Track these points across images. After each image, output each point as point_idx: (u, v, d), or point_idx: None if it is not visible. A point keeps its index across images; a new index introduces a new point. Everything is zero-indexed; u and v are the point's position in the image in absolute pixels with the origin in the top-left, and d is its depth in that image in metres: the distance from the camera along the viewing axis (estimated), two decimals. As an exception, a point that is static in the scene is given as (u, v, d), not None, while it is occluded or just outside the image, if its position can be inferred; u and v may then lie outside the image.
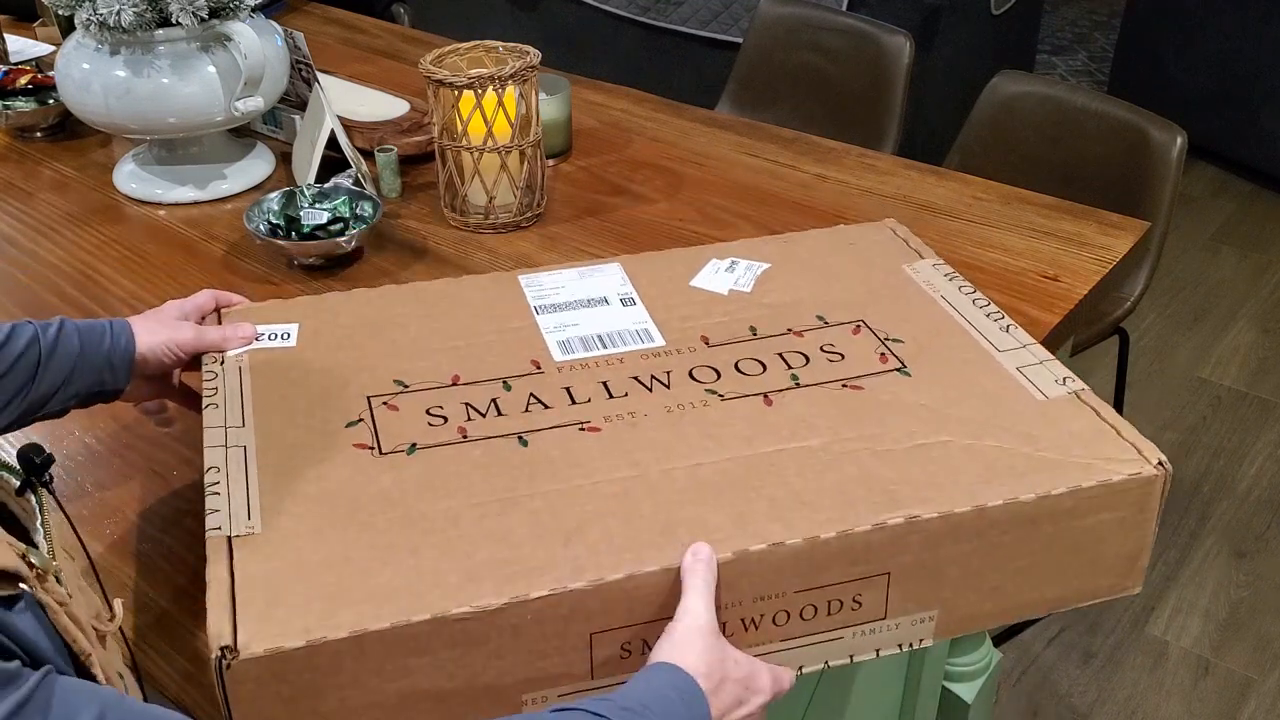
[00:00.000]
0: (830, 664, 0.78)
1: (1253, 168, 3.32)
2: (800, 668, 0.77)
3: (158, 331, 0.89)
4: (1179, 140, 1.61)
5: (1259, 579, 2.03)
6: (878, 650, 0.78)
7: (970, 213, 1.33)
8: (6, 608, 0.52)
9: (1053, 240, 1.27)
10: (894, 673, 1.32)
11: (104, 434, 1.01)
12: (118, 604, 0.62)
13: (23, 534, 0.61)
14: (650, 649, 0.70)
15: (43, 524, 0.61)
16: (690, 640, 0.68)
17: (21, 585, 0.52)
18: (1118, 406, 1.97)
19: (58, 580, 0.56)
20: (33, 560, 0.54)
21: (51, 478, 0.64)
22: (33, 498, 0.62)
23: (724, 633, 0.72)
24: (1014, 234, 1.28)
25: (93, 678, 0.56)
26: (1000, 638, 1.91)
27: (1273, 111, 3.15)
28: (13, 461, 0.64)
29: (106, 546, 0.88)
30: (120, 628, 0.63)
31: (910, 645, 0.79)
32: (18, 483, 0.62)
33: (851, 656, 0.78)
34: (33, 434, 1.01)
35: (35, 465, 0.62)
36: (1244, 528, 2.14)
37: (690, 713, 0.65)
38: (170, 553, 0.88)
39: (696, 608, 0.69)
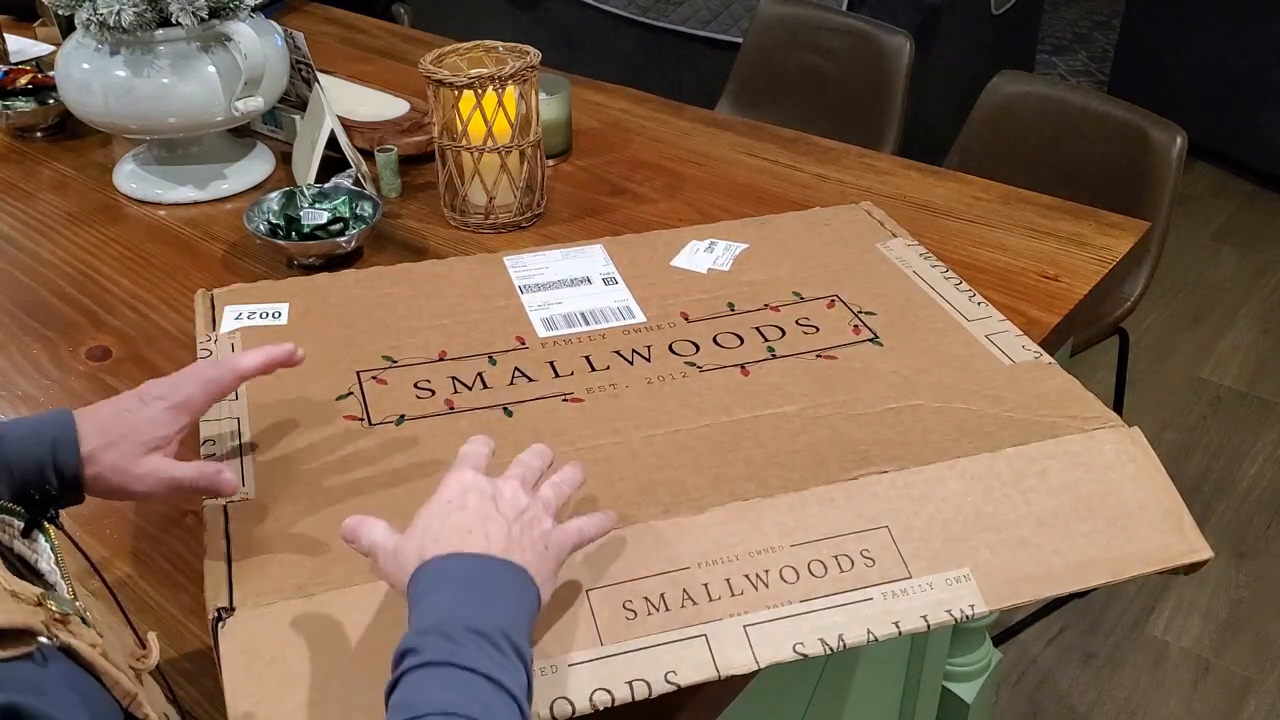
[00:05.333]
0: (876, 635, 0.71)
1: (1253, 168, 3.32)
2: (840, 637, 0.70)
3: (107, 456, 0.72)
4: (1179, 140, 1.61)
5: (1259, 579, 2.03)
6: (925, 618, 0.71)
7: (970, 213, 1.33)
8: (32, 668, 0.47)
9: (1053, 240, 1.27)
10: (894, 673, 1.32)
11: (104, 434, 1.01)
12: (152, 638, 0.59)
13: (39, 579, 0.56)
14: (653, 609, 0.70)
15: (58, 563, 0.56)
16: (389, 562, 0.64)
17: (40, 639, 0.48)
18: (1117, 407, 1.97)
19: (84, 622, 0.52)
20: (52, 605, 0.50)
21: (57, 513, 0.58)
22: (42, 538, 0.57)
23: (732, 593, 0.71)
24: (1014, 234, 1.28)
25: None
26: (1000, 638, 1.91)
27: (1273, 111, 3.15)
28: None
29: (106, 546, 0.88)
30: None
31: (961, 611, 0.72)
32: (21, 524, 0.57)
33: (898, 625, 0.71)
34: (33, 434, 1.01)
35: (37, 502, 0.57)
36: (1244, 528, 2.14)
37: (433, 585, 0.60)
38: (170, 552, 0.88)
39: (368, 536, 0.66)
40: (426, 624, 0.58)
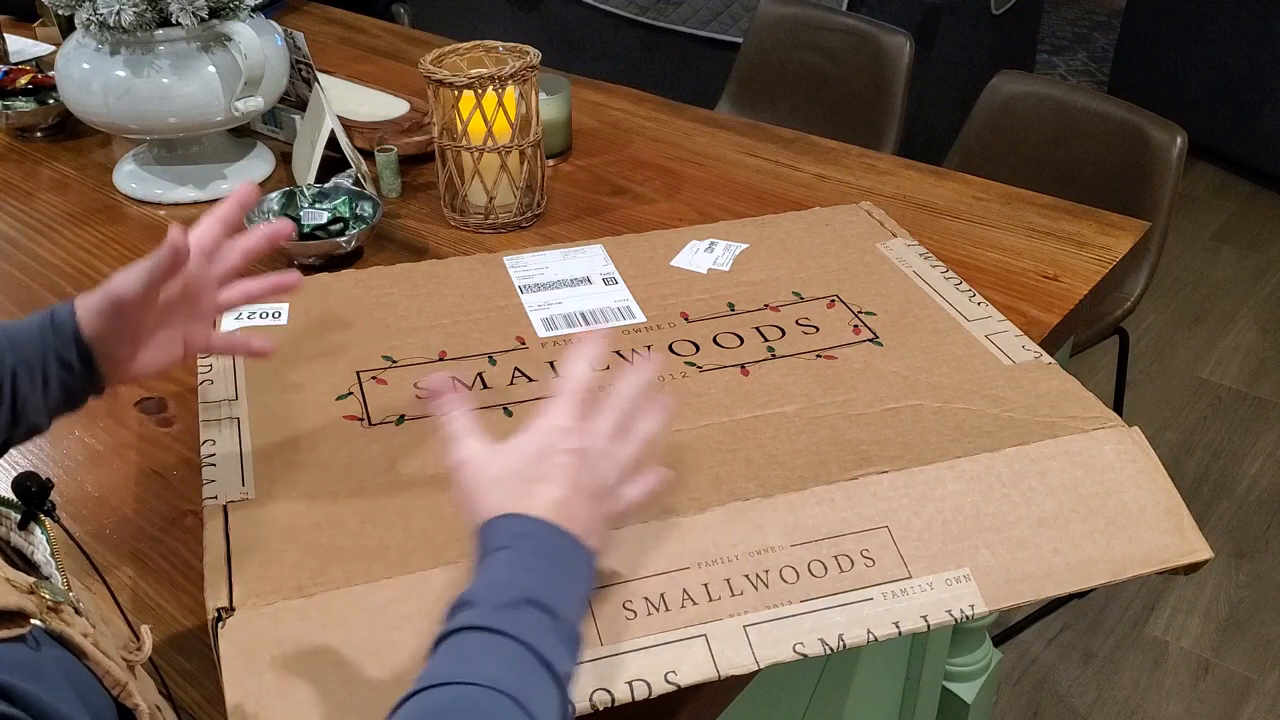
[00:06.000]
0: (876, 635, 0.71)
1: (1253, 168, 3.32)
2: (840, 637, 0.70)
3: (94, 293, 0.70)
4: (1179, 140, 1.61)
5: (1259, 579, 2.03)
6: (925, 618, 0.71)
7: (970, 213, 1.33)
8: (25, 650, 0.48)
9: (1053, 240, 1.27)
10: (894, 672, 1.32)
11: (104, 434, 1.01)
12: (145, 631, 0.60)
13: (34, 571, 0.57)
14: (653, 609, 0.70)
15: (53, 555, 0.57)
16: (472, 488, 0.63)
17: (33, 621, 0.49)
18: (1117, 407, 1.98)
19: (77, 611, 0.53)
20: (45, 594, 0.51)
21: (53, 505, 0.59)
22: (38, 530, 0.58)
23: (732, 593, 0.71)
24: (1014, 234, 1.28)
25: (130, 711, 0.53)
26: (1000, 638, 1.91)
27: (1273, 111, 3.15)
28: (9, 494, 0.59)
29: (107, 547, 0.88)
30: (150, 656, 0.60)
31: (961, 611, 0.72)
32: (18, 516, 0.58)
33: (898, 625, 0.71)
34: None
35: (33, 495, 0.57)
36: (1244, 528, 2.14)
37: (522, 553, 0.60)
38: (170, 552, 0.88)
39: (463, 450, 0.65)
40: (491, 580, 0.58)
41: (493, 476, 0.63)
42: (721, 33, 2.87)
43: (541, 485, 0.62)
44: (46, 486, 0.58)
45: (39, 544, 0.57)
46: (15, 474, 0.59)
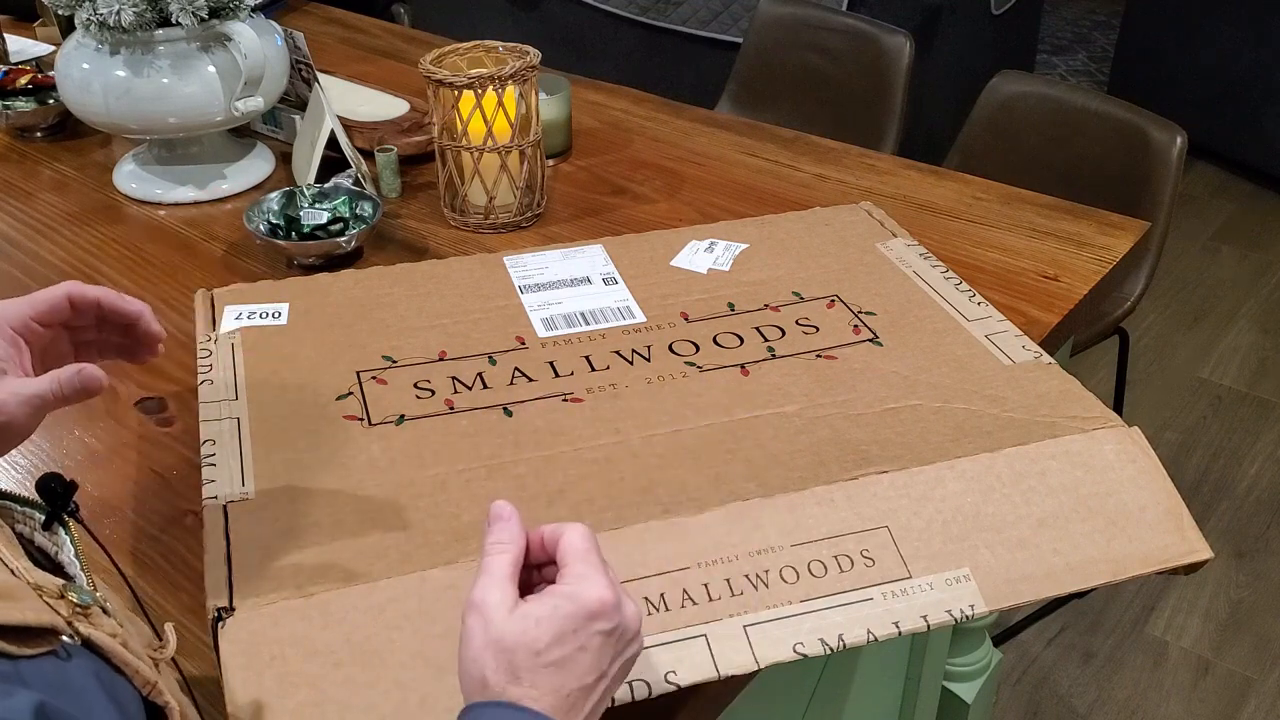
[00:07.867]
0: (876, 635, 0.71)
1: (1253, 168, 3.32)
2: (840, 637, 0.70)
3: None
4: (1179, 140, 1.61)
5: (1259, 579, 2.03)
6: (925, 618, 0.71)
7: (970, 213, 1.33)
8: (56, 663, 0.47)
9: (1053, 240, 1.27)
10: (894, 672, 1.32)
11: (104, 434, 1.01)
12: (169, 629, 0.59)
13: (57, 570, 0.57)
14: (653, 609, 0.69)
15: (77, 555, 0.57)
16: (471, 658, 0.55)
17: (64, 638, 0.48)
18: (1117, 407, 1.98)
19: (105, 611, 0.53)
20: (74, 597, 0.51)
21: (76, 506, 0.59)
22: (61, 530, 0.58)
23: (732, 593, 0.71)
24: (1014, 234, 1.28)
25: (160, 709, 0.53)
26: (1000, 638, 1.91)
27: (1273, 111, 3.15)
28: (32, 494, 0.59)
29: (107, 546, 0.88)
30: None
31: (961, 611, 0.72)
32: (42, 517, 0.58)
33: (898, 625, 0.71)
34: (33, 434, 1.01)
35: (58, 495, 0.57)
36: (1244, 528, 2.14)
37: None
38: (170, 552, 0.88)
39: (484, 592, 0.57)
40: None
41: (499, 639, 0.55)
42: (721, 33, 2.87)
43: (551, 678, 0.55)
44: (71, 488, 0.58)
45: (63, 544, 0.58)
46: (39, 475, 0.59)
